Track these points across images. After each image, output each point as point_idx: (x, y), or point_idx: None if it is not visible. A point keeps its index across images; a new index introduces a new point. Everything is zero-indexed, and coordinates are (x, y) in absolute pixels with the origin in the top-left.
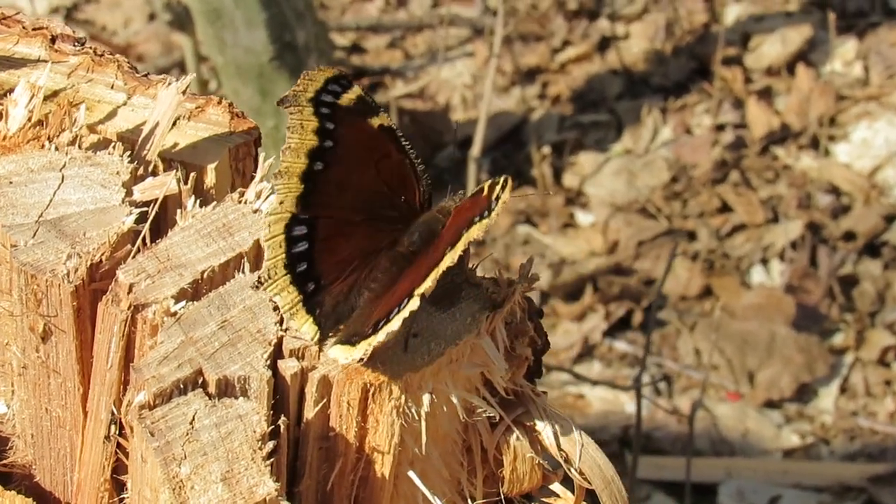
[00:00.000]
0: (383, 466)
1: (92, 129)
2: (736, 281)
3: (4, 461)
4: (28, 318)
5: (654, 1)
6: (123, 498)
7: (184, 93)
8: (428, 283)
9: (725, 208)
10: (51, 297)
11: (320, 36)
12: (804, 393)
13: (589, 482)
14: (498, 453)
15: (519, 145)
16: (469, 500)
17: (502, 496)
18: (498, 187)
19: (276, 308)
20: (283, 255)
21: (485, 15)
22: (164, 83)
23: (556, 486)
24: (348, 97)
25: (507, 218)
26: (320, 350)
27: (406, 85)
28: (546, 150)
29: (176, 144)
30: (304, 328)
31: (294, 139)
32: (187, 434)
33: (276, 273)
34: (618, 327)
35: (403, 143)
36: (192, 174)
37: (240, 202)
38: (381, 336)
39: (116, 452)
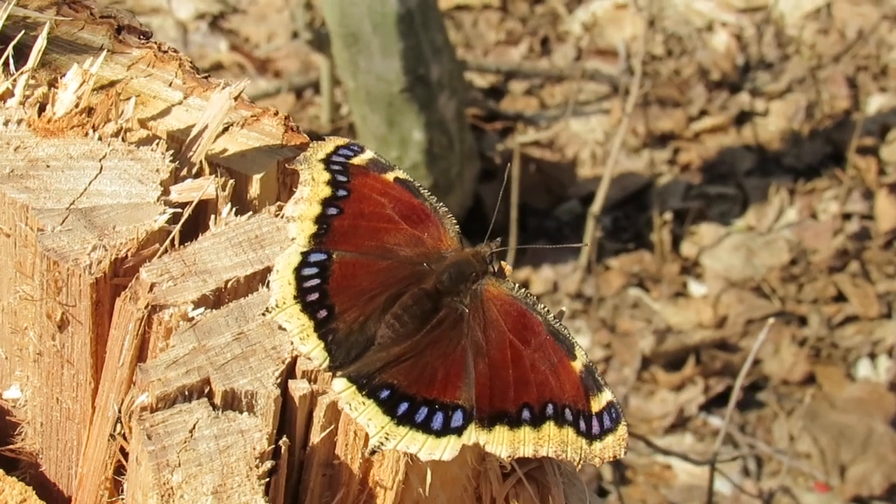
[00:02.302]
0: (385, 502)
1: (143, 124)
2: (840, 371)
3: (11, 446)
4: (47, 304)
5: (798, 81)
6: (122, 499)
7: (236, 98)
8: None
9: (840, 297)
10: (71, 287)
11: (455, 74)
12: (895, 493)
13: None
14: None
15: (641, 208)
16: None
17: None
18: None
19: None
20: (294, 286)
21: (626, 74)
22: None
23: None
24: (361, 158)
25: (620, 279)
26: (333, 377)
27: (537, 133)
28: (668, 216)
29: (225, 150)
30: (315, 353)
31: (306, 191)
32: (185, 442)
33: (284, 302)
34: (715, 402)
35: (422, 191)
36: (231, 181)
37: (276, 216)
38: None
39: (120, 452)
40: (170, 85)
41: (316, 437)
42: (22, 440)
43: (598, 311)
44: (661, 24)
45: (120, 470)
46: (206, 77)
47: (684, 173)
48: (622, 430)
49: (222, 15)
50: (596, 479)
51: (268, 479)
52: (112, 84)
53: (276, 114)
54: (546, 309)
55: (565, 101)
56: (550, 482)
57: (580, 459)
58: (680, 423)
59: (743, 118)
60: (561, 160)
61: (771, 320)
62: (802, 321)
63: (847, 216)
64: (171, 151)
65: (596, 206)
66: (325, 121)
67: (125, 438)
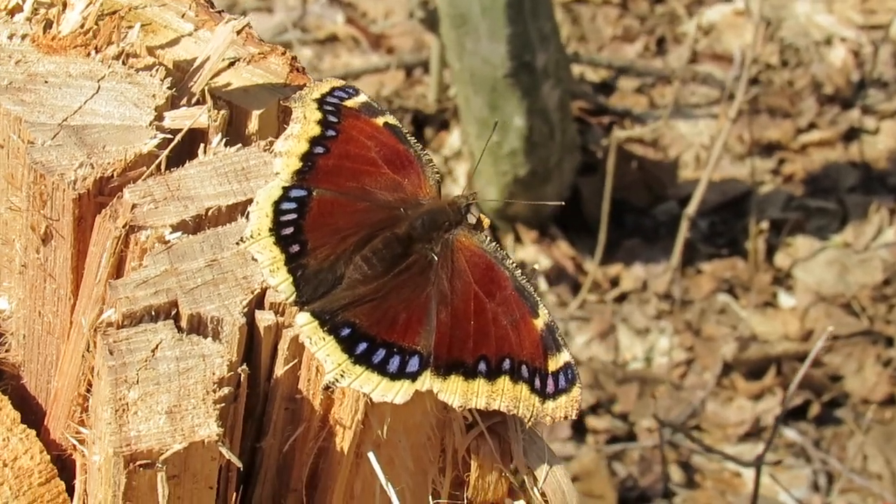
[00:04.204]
0: (344, 441)
1: (151, 51)
2: None
3: None
4: (32, 216)
5: None
6: None
7: (238, 32)
8: None
9: None
10: (55, 201)
11: (561, 64)
12: None
13: None
14: (468, 457)
15: (739, 215)
16: (432, 498)
17: (465, 501)
18: None
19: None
20: (270, 219)
21: (738, 80)
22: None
23: None
24: (354, 101)
25: (710, 284)
26: (300, 311)
27: (640, 130)
28: (765, 225)
29: (229, 84)
30: (282, 287)
31: (297, 128)
32: (146, 361)
33: (258, 234)
34: (792, 414)
35: (409, 138)
36: (223, 112)
37: (265, 150)
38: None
39: (91, 371)
40: (182, 16)
41: (279, 370)
42: (7, 351)
43: (685, 313)
44: (778, 33)
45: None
46: (219, 12)
47: (786, 184)
48: (576, 391)
49: None
50: (662, 478)
51: (223, 405)
52: (130, 10)
53: (283, 53)
54: (515, 265)
55: (675, 101)
56: (511, 437)
57: (531, 416)
58: (755, 433)
59: (851, 134)
60: (664, 160)
61: (830, 328)
62: (889, 342)
63: None
64: (169, 79)
65: (691, 208)
66: (432, 100)
67: None
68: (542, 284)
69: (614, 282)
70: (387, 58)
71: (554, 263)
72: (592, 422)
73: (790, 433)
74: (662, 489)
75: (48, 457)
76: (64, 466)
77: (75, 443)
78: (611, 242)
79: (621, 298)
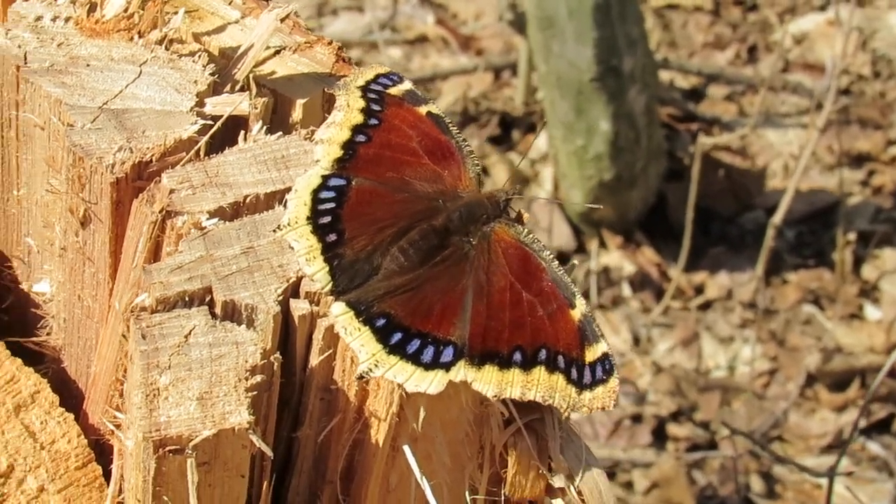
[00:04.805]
0: (379, 433)
1: (197, 38)
2: None
3: (35, 339)
4: (71, 199)
5: None
6: None
7: (283, 20)
8: None
9: None
10: (93, 184)
11: (648, 69)
12: None
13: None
14: (505, 453)
15: (827, 225)
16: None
17: (503, 498)
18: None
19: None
20: (308, 207)
21: (828, 90)
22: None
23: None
24: (398, 89)
25: (796, 294)
26: (335, 300)
27: (728, 138)
28: (852, 236)
29: (273, 72)
30: (318, 276)
31: (339, 116)
32: (179, 346)
33: (296, 222)
34: (876, 428)
35: (452, 129)
36: (265, 100)
37: (306, 138)
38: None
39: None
40: (229, 3)
41: (314, 359)
42: (47, 334)
43: (769, 323)
44: (871, 44)
45: None
46: (267, 0)
47: (876, 196)
48: (613, 382)
49: None
50: (744, 487)
51: (255, 393)
52: None
53: (329, 43)
54: (552, 256)
55: (765, 110)
56: (549, 435)
57: (568, 407)
58: (837, 445)
59: None
60: (751, 168)
61: None
62: None
63: None
64: (212, 65)
65: (777, 217)
66: (519, 103)
67: None
68: (626, 290)
69: (699, 289)
70: (475, 59)
71: (638, 269)
72: (673, 429)
73: (873, 446)
74: (742, 499)
75: (85, 441)
76: (102, 451)
77: (112, 427)
78: (696, 250)
79: (706, 306)
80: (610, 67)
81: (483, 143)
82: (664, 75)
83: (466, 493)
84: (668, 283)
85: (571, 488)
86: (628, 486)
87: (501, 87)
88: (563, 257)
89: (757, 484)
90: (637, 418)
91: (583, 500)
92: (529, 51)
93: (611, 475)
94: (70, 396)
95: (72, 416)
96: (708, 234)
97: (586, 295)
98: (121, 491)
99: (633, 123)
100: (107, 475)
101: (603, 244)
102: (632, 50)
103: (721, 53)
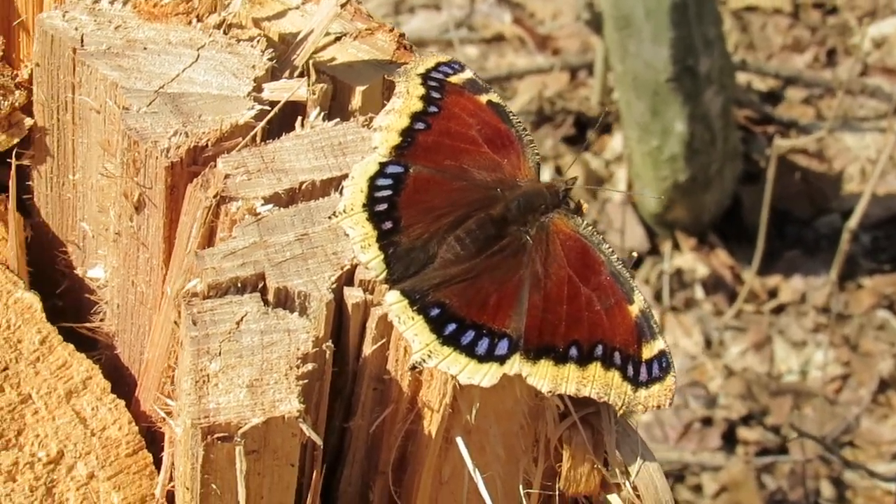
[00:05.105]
0: (431, 424)
1: (257, 23)
2: None
3: (88, 325)
4: (125, 183)
5: None
6: None
7: (343, 6)
8: None
9: None
10: (148, 168)
11: (725, 71)
12: None
13: (641, 500)
14: (560, 447)
15: None
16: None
17: (557, 492)
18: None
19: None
20: (365, 194)
21: None
22: None
23: (613, 499)
24: (459, 77)
25: (870, 299)
26: (389, 289)
27: (806, 141)
28: None
29: (334, 59)
30: (373, 264)
31: (398, 103)
32: (230, 333)
33: (352, 209)
34: None
35: (512, 118)
36: (323, 86)
37: (363, 125)
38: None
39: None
40: None
41: (367, 349)
42: (101, 320)
43: (843, 328)
44: None
45: None
46: None
47: None
48: (670, 380)
49: None
50: (814, 493)
51: (306, 382)
52: None
53: (391, 30)
54: (611, 249)
55: (842, 113)
56: (604, 429)
57: (623, 404)
58: None
59: None
60: (828, 172)
61: None
62: None
63: None
64: (271, 50)
65: (853, 221)
66: (595, 103)
67: None
68: (699, 292)
69: (772, 293)
70: (552, 59)
71: (711, 272)
72: (743, 433)
73: None
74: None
75: (136, 428)
76: (154, 439)
77: (163, 415)
78: (771, 253)
79: (779, 310)
80: (686, 68)
81: (557, 142)
82: (742, 77)
83: (520, 487)
84: (742, 285)
85: (627, 484)
86: (697, 489)
87: (577, 87)
88: (636, 258)
89: (827, 489)
90: (707, 421)
91: (638, 496)
92: (606, 51)
93: (679, 478)
94: (123, 383)
95: (123, 402)
96: (783, 237)
97: (659, 296)
98: (171, 479)
99: (708, 125)
100: (157, 463)
101: (676, 246)
102: (708, 51)
103: (800, 56)
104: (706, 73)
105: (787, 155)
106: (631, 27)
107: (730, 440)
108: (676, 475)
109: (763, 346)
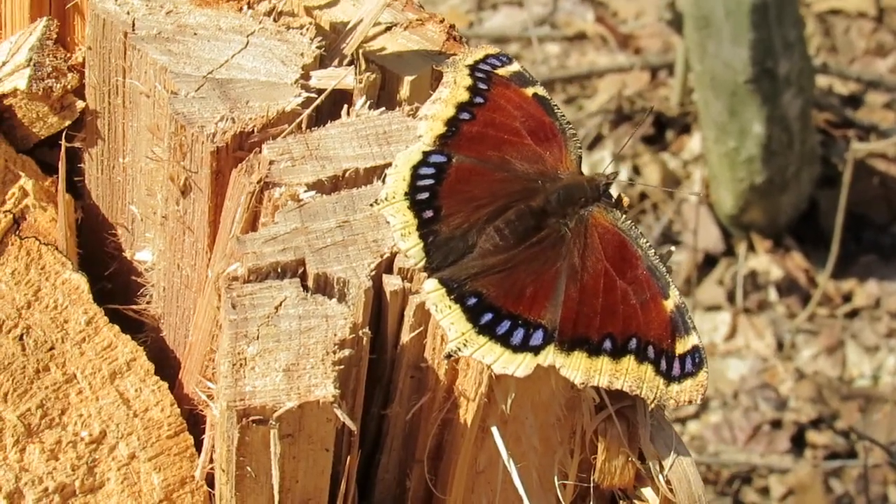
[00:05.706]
0: (468, 413)
1: (309, 11)
2: None
3: (134, 307)
4: (172, 167)
5: None
6: None
7: None
8: None
9: None
10: (194, 153)
11: (805, 73)
12: None
13: (674, 494)
14: (595, 439)
15: None
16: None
17: (592, 484)
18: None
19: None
20: (407, 182)
21: None
22: None
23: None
24: (506, 70)
25: None
26: (428, 277)
27: (884, 145)
28: None
29: (383, 49)
30: (412, 252)
31: (445, 92)
32: (268, 317)
33: (394, 197)
34: None
35: (556, 111)
36: (370, 75)
37: (409, 115)
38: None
39: None
40: None
41: (405, 336)
42: (147, 303)
43: (877, 322)
44: None
45: None
46: None
47: None
48: (703, 376)
49: None
50: (880, 499)
51: (342, 367)
52: None
53: (441, 21)
54: (649, 244)
55: None
56: (639, 422)
57: (654, 398)
58: None
59: None
60: None
61: None
62: None
63: None
64: (320, 38)
65: None
66: (675, 103)
67: None
68: (773, 295)
69: (847, 297)
70: (633, 58)
71: (786, 274)
72: (812, 436)
73: None
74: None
75: (178, 410)
76: (196, 422)
77: (204, 397)
78: (846, 257)
79: (852, 314)
80: (765, 70)
81: (636, 141)
82: (823, 81)
83: (556, 479)
84: (816, 289)
85: (660, 477)
86: (764, 491)
87: (657, 87)
88: (710, 259)
89: (894, 495)
90: (777, 424)
91: (671, 490)
92: (686, 50)
93: (747, 480)
94: (167, 366)
95: (166, 384)
96: (859, 241)
97: (732, 298)
98: (211, 461)
99: (786, 127)
100: (199, 446)
101: (752, 248)
102: (788, 53)
103: (882, 61)
104: (785, 75)
105: (865, 159)
106: (710, 27)
107: (798, 443)
108: (744, 477)
109: (835, 350)
